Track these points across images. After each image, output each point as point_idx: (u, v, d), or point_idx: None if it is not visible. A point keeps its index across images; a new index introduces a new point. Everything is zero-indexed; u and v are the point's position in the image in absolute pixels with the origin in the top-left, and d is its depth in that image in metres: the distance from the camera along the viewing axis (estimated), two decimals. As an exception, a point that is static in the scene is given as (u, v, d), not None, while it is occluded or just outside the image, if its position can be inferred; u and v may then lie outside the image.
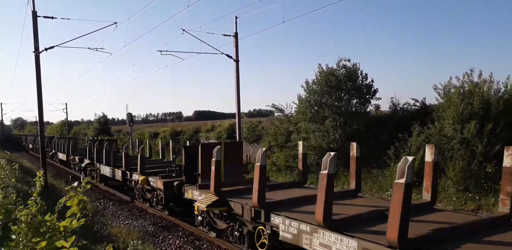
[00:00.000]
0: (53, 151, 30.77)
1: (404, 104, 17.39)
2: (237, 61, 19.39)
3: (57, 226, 2.15)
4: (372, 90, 17.10)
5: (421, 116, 15.29)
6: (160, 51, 18.74)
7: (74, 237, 2.07)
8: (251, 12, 60.48)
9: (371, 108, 17.85)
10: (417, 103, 16.83)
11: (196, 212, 8.99)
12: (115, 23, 16.77)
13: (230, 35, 19.36)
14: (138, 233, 9.64)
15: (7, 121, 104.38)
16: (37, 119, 17.23)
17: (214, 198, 7.91)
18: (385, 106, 20.22)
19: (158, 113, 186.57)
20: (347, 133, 15.99)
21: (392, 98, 17.66)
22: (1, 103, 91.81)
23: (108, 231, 9.60)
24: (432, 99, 27.22)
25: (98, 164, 17.41)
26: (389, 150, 14.26)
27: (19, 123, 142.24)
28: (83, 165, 19.52)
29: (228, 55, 19.38)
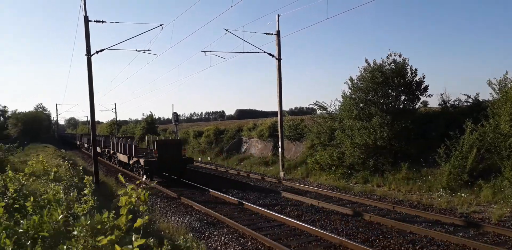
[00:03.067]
0: (112, 151, 26.90)
1: (455, 100, 16.62)
2: (279, 59, 19.34)
3: (118, 225, 2.21)
4: (423, 87, 16.45)
5: (474, 113, 14.52)
6: (204, 51, 19.06)
7: (143, 240, 2.09)
8: (293, 9, 60.00)
9: (420, 105, 17.17)
10: (469, 100, 16.00)
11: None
12: (161, 25, 17.26)
13: (272, 34, 19.34)
14: (185, 229, 9.86)
15: (61, 121, 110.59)
16: (89, 119, 18.08)
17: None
18: (433, 103, 19.39)
19: (201, 113, 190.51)
20: (394, 130, 15.48)
21: (442, 94, 16.94)
22: (56, 104, 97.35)
23: (157, 227, 9.88)
24: (486, 95, 25.70)
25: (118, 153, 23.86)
26: (439, 149, 13.65)
27: (72, 123, 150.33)
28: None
29: (270, 54, 19.37)
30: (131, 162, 20.43)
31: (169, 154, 17.90)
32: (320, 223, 10.27)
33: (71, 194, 2.97)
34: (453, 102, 16.66)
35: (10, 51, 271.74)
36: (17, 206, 3.35)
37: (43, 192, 3.94)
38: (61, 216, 2.38)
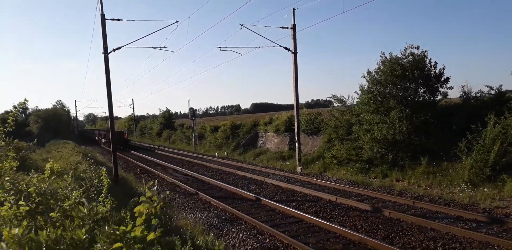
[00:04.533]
0: (105, 139, 41.17)
1: (477, 92, 16.17)
2: (295, 53, 19.15)
3: (131, 238, 2.19)
4: (443, 78, 16.08)
5: (497, 105, 14.14)
6: (220, 47, 19.02)
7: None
8: (309, 3, 59.30)
9: (440, 97, 16.80)
10: (492, 91, 15.58)
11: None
12: (177, 22, 17.25)
13: (288, 28, 19.14)
14: (204, 226, 9.93)
15: (80, 117, 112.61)
16: (107, 115, 18.33)
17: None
18: (453, 94, 18.96)
19: (217, 107, 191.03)
20: (414, 124, 15.21)
21: (463, 86, 16.51)
22: (75, 101, 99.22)
23: (175, 223, 9.97)
24: (509, 86, 25.02)
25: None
26: (460, 142, 13.35)
27: (91, 118, 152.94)
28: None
29: (286, 48, 19.21)
30: (103, 141, 45.91)
31: (119, 136, 38.36)
32: (338, 219, 10.20)
33: (95, 209, 2.98)
34: (475, 94, 16.24)
35: (30, 49, 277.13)
36: (40, 210, 3.40)
37: (64, 196, 3.99)
38: (85, 236, 2.38)
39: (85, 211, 2.79)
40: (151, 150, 38.83)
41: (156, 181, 3.48)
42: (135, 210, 2.38)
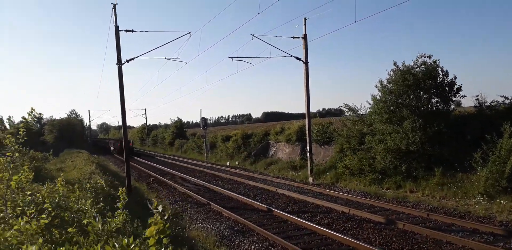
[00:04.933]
0: (113, 147, 47.50)
1: (492, 102, 15.95)
2: (306, 63, 19.21)
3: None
4: (455, 88, 15.93)
5: (513, 115, 13.91)
6: (231, 57, 19.17)
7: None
8: (321, 13, 59.59)
9: (453, 107, 16.62)
10: (507, 101, 15.36)
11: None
12: (189, 32, 17.48)
13: (299, 37, 19.26)
14: (215, 237, 9.90)
15: (93, 126, 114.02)
16: (120, 124, 18.54)
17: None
18: (467, 103, 18.73)
19: (228, 116, 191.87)
20: (427, 134, 15.04)
21: (477, 95, 16.31)
22: (89, 111, 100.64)
23: (187, 234, 9.97)
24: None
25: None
26: (475, 153, 13.14)
27: (104, 128, 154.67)
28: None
29: (297, 58, 19.27)
30: (112, 148, 50.75)
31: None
32: (352, 231, 10.07)
33: (108, 224, 3.01)
34: (489, 104, 16.03)
35: (46, 59, 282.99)
36: (56, 223, 3.44)
37: (78, 210, 4.03)
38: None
39: (99, 226, 2.81)
40: (163, 159, 39.05)
41: (167, 191, 3.49)
42: (147, 234, 2.39)
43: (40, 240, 2.58)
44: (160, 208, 2.51)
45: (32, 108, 5.11)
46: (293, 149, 25.54)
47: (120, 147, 42.48)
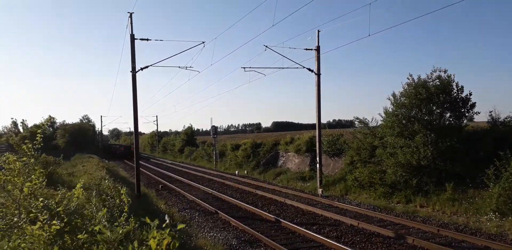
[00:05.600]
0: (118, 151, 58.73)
1: (506, 118, 15.79)
2: (318, 74, 19.26)
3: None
4: (469, 104, 15.82)
5: (527, 131, 13.73)
6: (244, 67, 19.30)
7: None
8: (334, 25, 59.89)
9: (466, 123, 16.48)
10: (521, 117, 15.18)
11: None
12: (203, 42, 17.71)
13: (312, 49, 19.35)
14: (223, 246, 9.88)
15: (105, 132, 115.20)
16: (133, 130, 18.71)
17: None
18: (479, 118, 18.53)
19: (238, 124, 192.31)
20: (439, 149, 14.89)
21: (491, 111, 16.17)
22: (101, 116, 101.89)
23: (195, 242, 9.96)
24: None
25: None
26: (488, 169, 12.95)
27: (115, 133, 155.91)
28: None
29: (309, 69, 19.33)
30: (117, 152, 57.36)
31: (125, 149, 56.62)
32: (360, 245, 9.96)
33: (116, 230, 3.05)
34: (503, 120, 15.86)
35: (61, 66, 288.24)
36: (68, 229, 3.50)
37: (90, 217, 4.09)
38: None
39: (109, 234, 2.85)
40: (172, 166, 39.20)
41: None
42: (151, 242, 2.42)
43: (56, 248, 2.62)
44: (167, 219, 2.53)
45: (50, 116, 5.22)
46: (302, 160, 25.46)
47: (123, 151, 57.22)
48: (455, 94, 15.80)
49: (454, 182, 14.35)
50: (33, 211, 3.71)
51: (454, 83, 15.79)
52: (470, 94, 15.87)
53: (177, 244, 2.42)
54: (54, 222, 3.28)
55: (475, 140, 15.68)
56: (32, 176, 4.91)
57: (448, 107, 15.73)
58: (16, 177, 4.70)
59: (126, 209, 4.76)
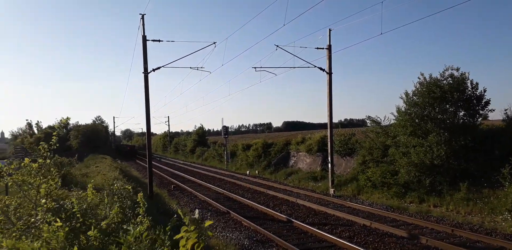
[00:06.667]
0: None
1: (522, 116, 15.49)
2: (330, 73, 19.17)
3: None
4: (483, 101, 15.58)
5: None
6: (255, 67, 19.29)
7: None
8: (346, 24, 59.61)
9: (480, 121, 16.22)
10: (538, 115, 14.89)
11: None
12: (214, 43, 17.77)
13: (323, 48, 19.27)
14: (235, 246, 9.91)
15: (117, 132, 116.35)
16: (145, 130, 18.87)
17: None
18: (494, 116, 18.23)
19: (249, 124, 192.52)
20: (452, 148, 14.70)
21: (506, 109, 15.88)
22: (114, 117, 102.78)
23: (207, 242, 10.00)
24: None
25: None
26: (503, 168, 12.75)
27: (128, 134, 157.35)
28: None
29: (320, 68, 19.26)
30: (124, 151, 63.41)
31: (131, 149, 65.32)
32: (373, 245, 9.89)
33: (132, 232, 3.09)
34: (518, 118, 15.57)
35: (75, 68, 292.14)
36: (83, 229, 3.56)
37: (104, 217, 4.15)
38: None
39: (131, 239, 2.89)
40: (184, 167, 39.42)
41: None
42: (181, 242, 2.43)
43: (76, 248, 2.67)
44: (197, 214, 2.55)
45: (64, 118, 5.31)
46: (314, 160, 25.37)
47: (129, 150, 63.72)
48: (469, 92, 15.57)
49: (468, 182, 14.16)
50: (50, 211, 3.77)
51: (468, 81, 15.56)
52: (485, 91, 15.62)
53: (202, 245, 2.43)
54: (70, 223, 3.33)
55: (489, 138, 15.44)
56: (48, 177, 5.00)
57: (462, 105, 15.52)
58: (32, 177, 4.79)
59: (141, 211, 4.79)
